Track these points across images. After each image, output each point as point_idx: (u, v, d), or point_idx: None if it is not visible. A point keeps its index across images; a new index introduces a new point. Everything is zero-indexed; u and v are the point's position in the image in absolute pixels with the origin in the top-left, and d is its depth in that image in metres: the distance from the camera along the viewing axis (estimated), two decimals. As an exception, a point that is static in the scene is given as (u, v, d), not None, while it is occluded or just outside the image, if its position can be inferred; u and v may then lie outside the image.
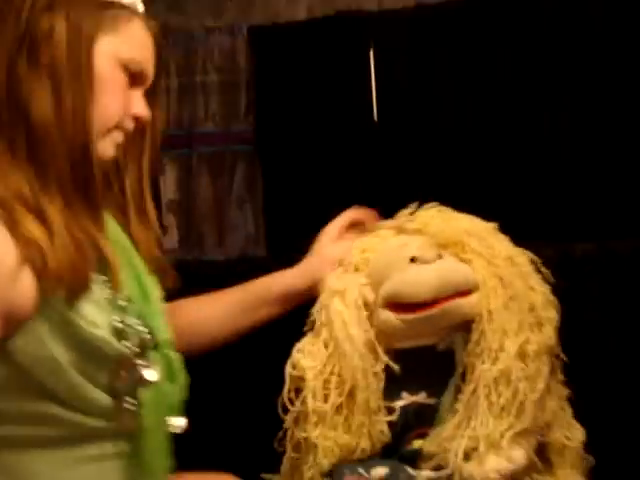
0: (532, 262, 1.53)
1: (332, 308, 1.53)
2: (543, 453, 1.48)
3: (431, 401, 1.49)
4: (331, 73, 2.43)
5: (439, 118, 2.37)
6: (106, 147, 1.10)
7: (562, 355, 1.50)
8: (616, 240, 1.93)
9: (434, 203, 1.61)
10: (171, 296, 1.44)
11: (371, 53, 2.40)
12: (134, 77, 1.13)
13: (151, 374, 1.05)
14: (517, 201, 2.28)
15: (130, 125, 1.14)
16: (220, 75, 2.68)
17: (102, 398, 1.01)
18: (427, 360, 1.51)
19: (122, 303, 1.06)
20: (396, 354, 1.52)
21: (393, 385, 1.51)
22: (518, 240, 1.57)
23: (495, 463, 1.39)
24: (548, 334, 1.46)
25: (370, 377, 1.49)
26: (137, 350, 1.04)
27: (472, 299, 1.46)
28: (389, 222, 1.63)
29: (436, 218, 1.57)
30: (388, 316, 1.48)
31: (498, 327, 1.45)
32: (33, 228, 0.94)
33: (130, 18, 1.13)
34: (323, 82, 2.43)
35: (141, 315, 1.09)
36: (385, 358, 1.49)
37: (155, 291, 1.18)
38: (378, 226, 1.61)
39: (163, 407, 1.11)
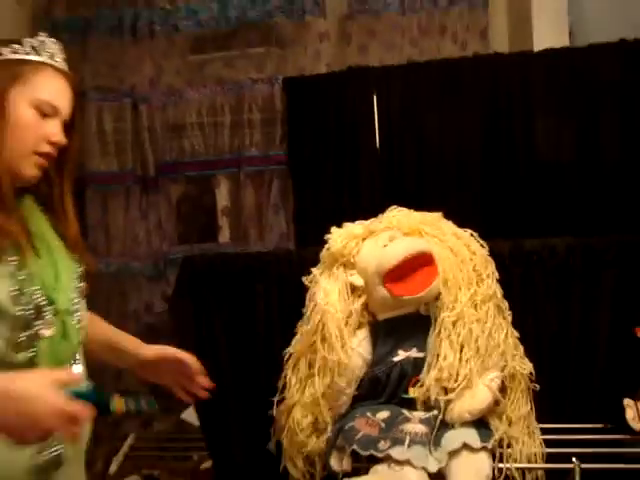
0: (471, 235, 1.65)
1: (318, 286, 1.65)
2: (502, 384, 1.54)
3: (421, 354, 1.55)
4: (345, 112, 2.45)
5: (425, 145, 2.37)
6: (27, 167, 1.13)
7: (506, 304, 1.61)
8: (555, 237, 1.94)
9: (395, 207, 1.73)
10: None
11: (374, 98, 2.42)
12: (47, 111, 1.14)
13: (44, 332, 1.08)
14: (483, 205, 2.29)
15: (46, 148, 1.14)
16: (262, 114, 2.71)
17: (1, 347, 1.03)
18: (414, 323, 1.59)
19: (21, 277, 1.07)
20: (391, 321, 1.60)
21: (391, 345, 1.58)
22: (485, 237, 1.69)
23: (467, 405, 1.46)
24: (489, 285, 1.58)
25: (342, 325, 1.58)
26: (32, 313, 1.06)
27: (437, 281, 1.54)
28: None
29: (397, 216, 1.69)
30: (384, 293, 1.57)
31: (452, 284, 1.57)
32: None
33: (40, 70, 1.15)
34: (339, 119, 2.46)
35: (46, 288, 1.10)
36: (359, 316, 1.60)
37: (68, 273, 1.17)
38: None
39: (57, 357, 1.11)
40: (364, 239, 1.67)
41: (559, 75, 2.26)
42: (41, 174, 1.16)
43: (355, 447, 1.44)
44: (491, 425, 1.50)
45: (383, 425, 1.48)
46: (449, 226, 1.69)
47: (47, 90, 1.15)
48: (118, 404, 1.16)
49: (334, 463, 1.48)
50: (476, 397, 1.47)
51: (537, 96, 2.26)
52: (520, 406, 1.56)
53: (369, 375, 1.58)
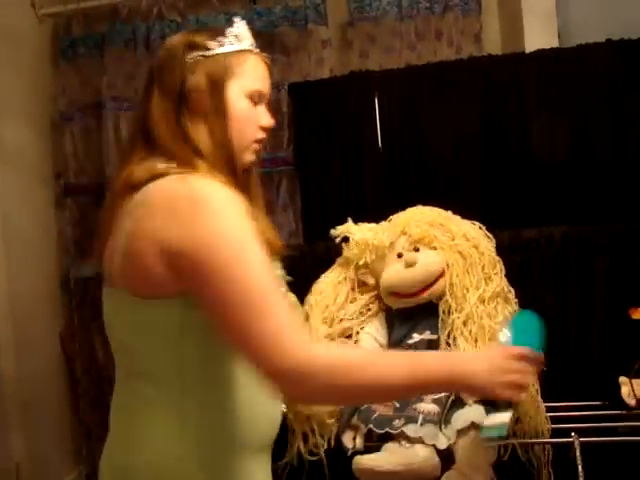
0: (480, 229, 1.66)
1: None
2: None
3: (434, 336, 1.58)
4: (347, 114, 2.45)
5: (425, 143, 2.37)
6: (248, 156, 1.10)
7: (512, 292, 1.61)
8: (552, 226, 1.98)
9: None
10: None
11: (376, 100, 2.43)
12: (258, 99, 1.10)
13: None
14: (482, 198, 2.28)
15: (262, 135, 1.12)
16: None
17: None
18: (427, 309, 1.61)
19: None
20: (405, 310, 1.63)
21: (406, 330, 1.61)
22: (488, 228, 1.70)
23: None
24: (496, 283, 1.59)
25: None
26: None
27: (444, 280, 1.58)
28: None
29: (410, 221, 1.67)
30: (393, 301, 1.63)
31: (460, 286, 1.58)
32: None
33: (246, 58, 1.10)
34: (342, 121, 2.46)
35: None
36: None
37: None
38: None
39: None
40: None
41: (549, 74, 2.27)
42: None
43: (371, 426, 1.45)
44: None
45: (397, 405, 1.49)
46: (459, 226, 1.68)
47: (256, 78, 1.11)
48: None
49: (347, 441, 1.49)
50: None
51: (529, 94, 2.26)
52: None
53: None
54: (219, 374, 1.01)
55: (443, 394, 1.49)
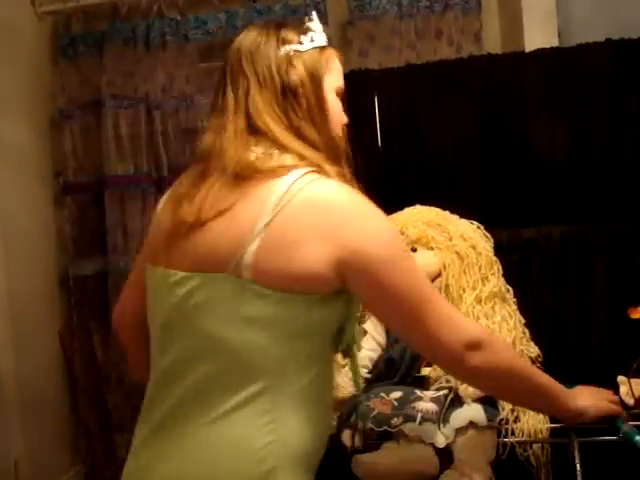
0: (478, 228, 1.68)
1: None
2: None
3: None
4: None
5: (425, 142, 2.36)
6: None
7: (511, 292, 1.62)
8: (550, 226, 2.02)
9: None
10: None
11: (375, 99, 2.42)
12: (341, 96, 1.10)
13: None
14: (481, 198, 2.27)
15: (343, 132, 1.11)
16: None
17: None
18: None
19: None
20: None
21: None
22: (484, 227, 1.72)
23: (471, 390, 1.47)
24: (493, 283, 1.60)
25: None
26: None
27: (440, 281, 1.58)
28: None
29: (408, 220, 1.67)
30: None
31: (457, 287, 1.59)
32: None
33: (332, 54, 1.10)
34: None
35: None
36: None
37: None
38: None
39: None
40: None
41: (549, 73, 2.27)
42: None
43: (370, 424, 1.45)
44: (499, 404, 1.51)
45: (396, 403, 1.49)
46: (456, 226, 1.68)
47: (339, 74, 1.10)
48: None
49: (346, 439, 1.49)
50: None
51: (529, 93, 2.26)
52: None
53: (384, 357, 1.61)
54: (311, 384, 1.00)
55: (441, 393, 1.49)
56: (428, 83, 2.37)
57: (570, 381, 1.58)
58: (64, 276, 2.97)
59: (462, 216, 1.75)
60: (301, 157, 0.99)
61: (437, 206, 1.75)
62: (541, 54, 2.29)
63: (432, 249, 1.62)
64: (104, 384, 2.88)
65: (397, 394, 1.52)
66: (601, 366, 1.73)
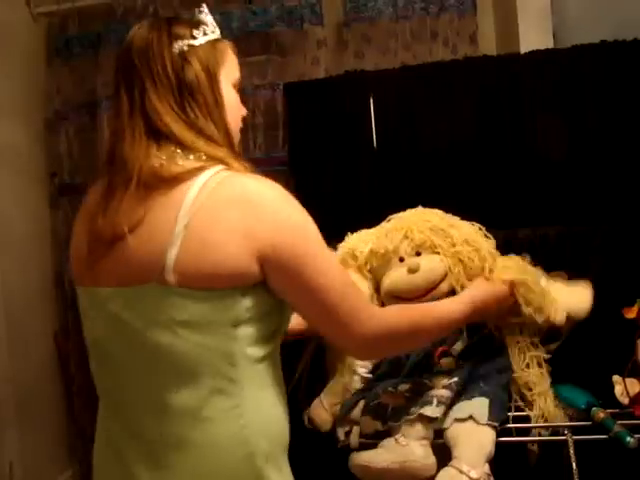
0: (479, 229, 1.65)
1: None
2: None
3: None
4: (343, 115, 2.43)
5: (420, 143, 2.35)
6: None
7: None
8: (546, 227, 2.00)
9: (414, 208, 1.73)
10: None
11: (371, 100, 2.40)
12: (237, 88, 1.10)
13: None
14: (477, 199, 2.25)
15: (241, 125, 1.12)
16: (264, 118, 2.74)
17: None
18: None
19: None
20: None
21: None
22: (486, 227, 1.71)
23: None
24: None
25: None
26: None
27: (445, 284, 1.56)
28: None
29: (413, 225, 1.64)
30: (394, 303, 1.55)
31: (460, 290, 1.55)
32: None
33: (226, 46, 1.09)
34: (337, 121, 2.43)
35: None
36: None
37: None
38: None
39: None
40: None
41: (544, 74, 2.27)
42: None
43: (390, 423, 1.44)
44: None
45: (408, 394, 1.48)
46: (460, 231, 1.65)
47: (235, 67, 1.10)
48: None
49: (340, 434, 1.50)
50: None
51: (525, 95, 2.26)
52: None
53: (389, 357, 1.59)
54: (262, 369, 1.02)
55: (452, 380, 1.48)
56: (424, 84, 2.36)
57: (565, 381, 1.62)
58: (59, 277, 2.97)
59: (458, 217, 1.75)
60: (207, 156, 0.99)
61: (432, 207, 1.74)
62: (536, 55, 2.29)
63: (437, 254, 1.62)
64: (99, 385, 2.87)
65: (405, 386, 1.52)
66: (596, 366, 1.70)
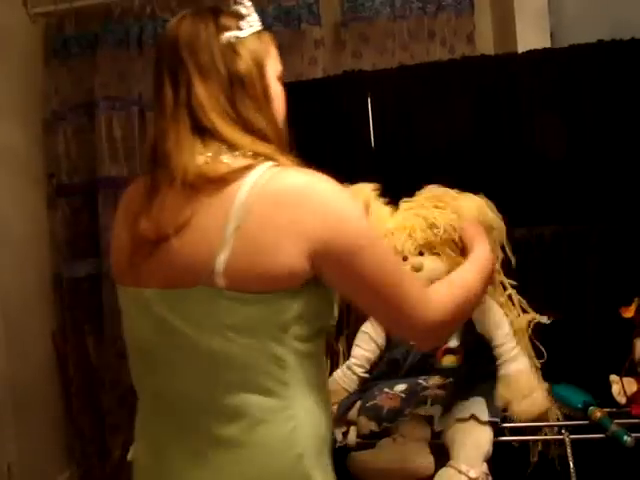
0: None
1: None
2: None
3: None
4: (341, 114, 2.41)
5: (418, 143, 2.34)
6: None
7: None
8: (542, 226, 2.01)
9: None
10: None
11: (369, 100, 2.38)
12: (281, 80, 1.08)
13: None
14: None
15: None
16: None
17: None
18: None
19: None
20: None
21: None
22: None
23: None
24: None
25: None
26: None
27: None
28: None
29: (415, 223, 1.64)
30: None
31: None
32: None
33: (269, 38, 1.07)
34: (335, 121, 2.42)
35: None
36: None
37: None
38: None
39: None
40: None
41: (542, 74, 2.27)
42: None
43: (385, 424, 1.44)
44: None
45: (403, 396, 1.49)
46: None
47: (278, 59, 1.08)
48: None
49: (337, 434, 1.50)
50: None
51: (522, 94, 2.25)
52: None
53: (387, 358, 1.61)
54: (309, 369, 1.00)
55: (447, 380, 1.50)
56: (421, 84, 2.35)
57: (562, 380, 1.62)
58: (57, 278, 2.97)
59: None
60: (254, 154, 0.97)
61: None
62: (534, 55, 2.29)
63: (439, 254, 1.62)
64: (98, 386, 2.88)
65: (401, 387, 1.52)
66: (593, 365, 1.72)
